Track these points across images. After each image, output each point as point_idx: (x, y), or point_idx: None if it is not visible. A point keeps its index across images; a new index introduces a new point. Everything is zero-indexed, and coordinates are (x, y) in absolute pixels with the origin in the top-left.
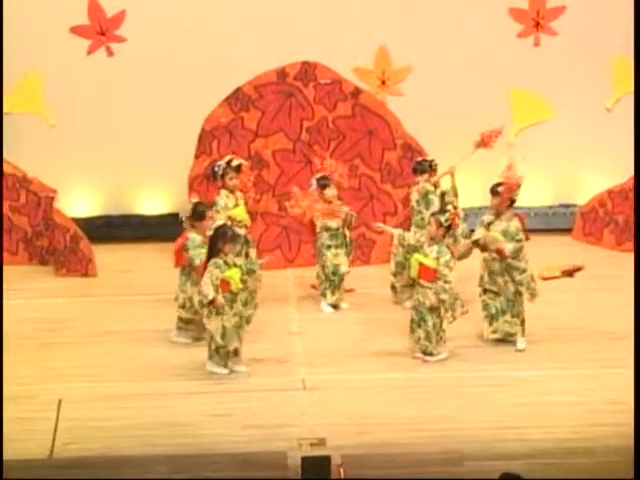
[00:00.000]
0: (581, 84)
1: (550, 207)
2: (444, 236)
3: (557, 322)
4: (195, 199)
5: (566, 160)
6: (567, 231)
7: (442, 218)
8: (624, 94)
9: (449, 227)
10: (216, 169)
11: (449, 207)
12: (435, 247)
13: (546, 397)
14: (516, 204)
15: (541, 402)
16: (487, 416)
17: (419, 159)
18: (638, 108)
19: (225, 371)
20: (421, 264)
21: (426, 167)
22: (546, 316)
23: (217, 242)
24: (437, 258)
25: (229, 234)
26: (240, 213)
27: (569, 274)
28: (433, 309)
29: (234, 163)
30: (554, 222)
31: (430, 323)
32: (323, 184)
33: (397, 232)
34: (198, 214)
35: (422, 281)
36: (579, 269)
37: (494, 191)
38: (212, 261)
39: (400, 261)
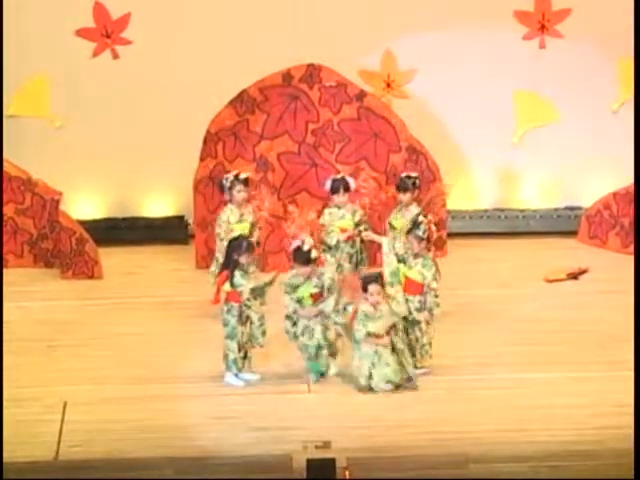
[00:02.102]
0: (587, 87)
1: (555, 209)
2: (428, 248)
3: (562, 325)
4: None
5: (571, 162)
6: (572, 234)
7: (419, 232)
8: (630, 96)
9: (429, 237)
10: (224, 182)
11: (420, 218)
12: (420, 260)
13: (551, 399)
14: (522, 206)
15: (546, 404)
16: (492, 418)
17: (403, 175)
18: (638, 109)
19: (255, 376)
20: (406, 277)
21: (408, 185)
22: (551, 319)
23: (232, 254)
24: (422, 272)
25: (244, 245)
26: (241, 230)
27: (574, 277)
28: (415, 322)
29: (242, 176)
30: (559, 224)
31: (412, 337)
32: (336, 187)
33: (386, 240)
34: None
35: (407, 294)
36: (584, 272)
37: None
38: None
39: (394, 270)
